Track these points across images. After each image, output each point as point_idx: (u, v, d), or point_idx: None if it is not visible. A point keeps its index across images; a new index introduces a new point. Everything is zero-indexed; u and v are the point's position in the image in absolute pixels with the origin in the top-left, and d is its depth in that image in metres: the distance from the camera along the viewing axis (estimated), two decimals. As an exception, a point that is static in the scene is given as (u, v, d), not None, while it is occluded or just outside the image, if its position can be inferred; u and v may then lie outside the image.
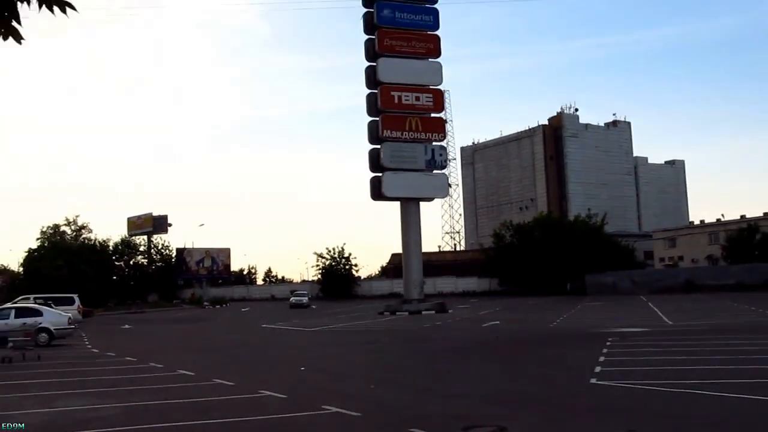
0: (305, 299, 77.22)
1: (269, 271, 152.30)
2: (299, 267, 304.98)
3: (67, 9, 5.31)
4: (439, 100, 60.66)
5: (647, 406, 13.71)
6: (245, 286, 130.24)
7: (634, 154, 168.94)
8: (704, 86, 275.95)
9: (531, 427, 12.23)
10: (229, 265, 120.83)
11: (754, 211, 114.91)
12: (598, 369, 18.51)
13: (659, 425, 11.93)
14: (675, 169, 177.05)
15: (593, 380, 16.79)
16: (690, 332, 29.53)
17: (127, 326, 52.27)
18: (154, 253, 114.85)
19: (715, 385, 15.36)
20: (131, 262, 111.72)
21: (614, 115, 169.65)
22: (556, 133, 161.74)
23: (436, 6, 60.08)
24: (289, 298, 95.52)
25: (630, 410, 13.31)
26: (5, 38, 5.31)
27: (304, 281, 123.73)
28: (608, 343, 25.10)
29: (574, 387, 16.33)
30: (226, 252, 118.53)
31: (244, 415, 13.72)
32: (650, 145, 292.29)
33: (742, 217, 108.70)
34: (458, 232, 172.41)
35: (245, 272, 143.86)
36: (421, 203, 60.58)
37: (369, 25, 58.47)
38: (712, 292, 73.76)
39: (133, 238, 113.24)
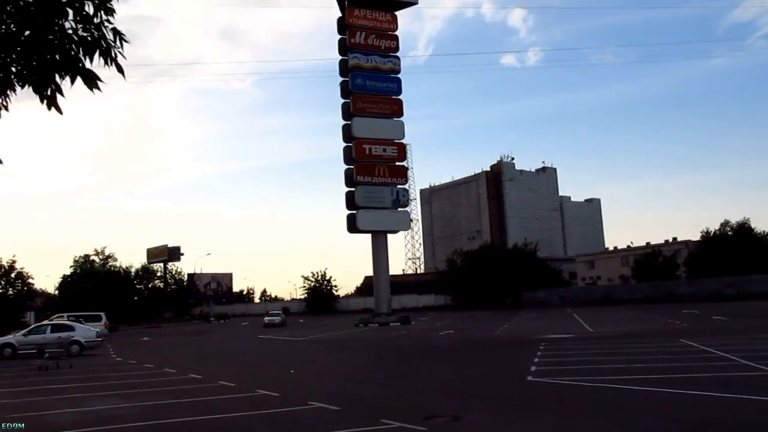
0: (278, 319, 64.28)
1: (265, 291, 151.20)
2: (289, 288, 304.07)
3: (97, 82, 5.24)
4: (402, 151, 61.13)
5: (573, 397, 13.68)
6: (245, 304, 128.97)
7: (560, 194, 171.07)
8: (616, 138, 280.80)
9: (480, 415, 12.14)
10: (231, 287, 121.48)
11: (657, 239, 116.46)
12: (533, 368, 18.46)
13: (583, 413, 11.86)
14: (593, 205, 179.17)
15: (530, 377, 16.74)
16: (607, 337, 29.58)
17: (146, 338, 51.50)
18: (169, 277, 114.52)
19: (628, 380, 15.39)
20: (150, 285, 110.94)
21: (543, 162, 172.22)
22: (497, 177, 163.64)
23: (399, 76, 60.85)
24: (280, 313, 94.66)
25: (559, 401, 13.26)
26: (49, 109, 5.23)
27: (293, 299, 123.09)
28: (541, 347, 25.08)
29: (515, 383, 16.25)
30: (229, 276, 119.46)
31: (243, 411, 13.49)
32: (573, 186, 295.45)
33: (648, 243, 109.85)
34: (419, 258, 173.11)
35: (245, 292, 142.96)
36: (389, 235, 60.79)
37: (345, 91, 59.25)
38: (624, 305, 74.26)
39: (152, 265, 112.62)
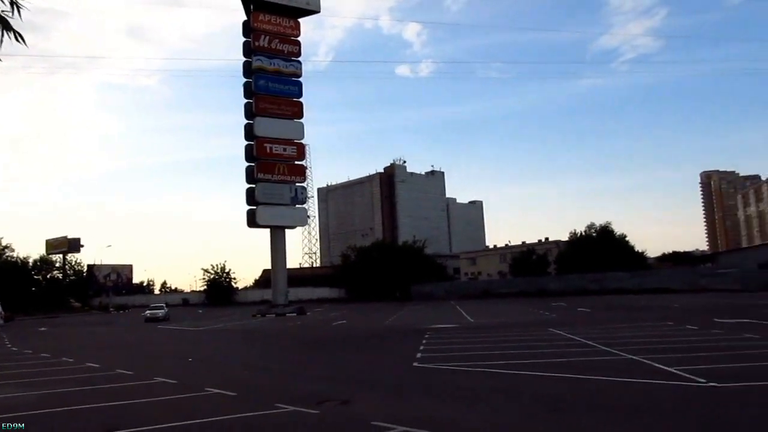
0: (161, 312, 55.93)
1: (165, 283, 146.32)
2: (190, 280, 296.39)
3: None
4: (301, 151, 60.69)
5: (455, 381, 14.02)
6: (145, 295, 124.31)
7: (447, 196, 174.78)
8: (499, 147, 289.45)
9: (369, 399, 12.23)
10: (131, 278, 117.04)
11: (532, 238, 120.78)
12: (419, 355, 18.76)
13: (464, 395, 12.18)
14: (476, 207, 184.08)
15: (416, 364, 16.99)
16: (486, 327, 30.41)
17: (43, 329, 48.84)
18: (69, 269, 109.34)
19: (503, 365, 15.90)
20: (48, 276, 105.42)
21: (432, 166, 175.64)
22: (390, 179, 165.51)
23: (300, 80, 60.38)
24: (180, 304, 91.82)
25: (442, 385, 13.56)
26: None
27: (193, 291, 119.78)
28: (427, 336, 25.50)
29: (402, 369, 16.46)
30: (129, 268, 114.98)
31: (141, 398, 13.03)
32: (459, 189, 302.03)
33: (524, 242, 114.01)
34: (315, 253, 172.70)
35: (145, 284, 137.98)
36: (287, 230, 60.30)
37: (248, 92, 58.33)
38: (502, 298, 76.62)
39: (51, 256, 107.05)
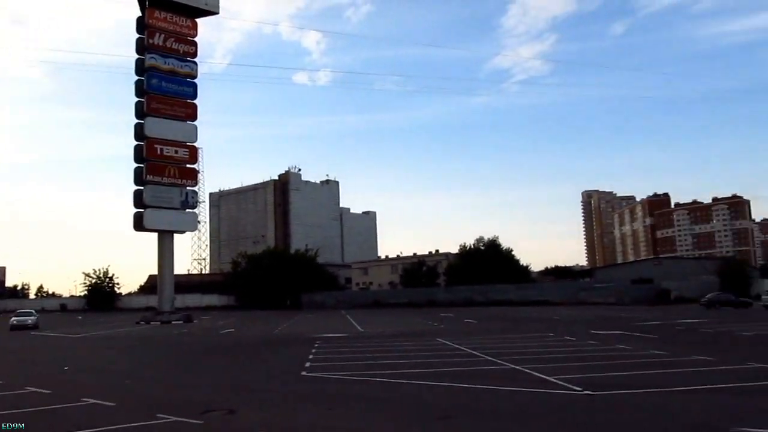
0: (31, 320, 48.96)
1: (41, 287, 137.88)
2: (70, 284, 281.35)
3: None
4: (193, 154, 59.04)
5: (343, 389, 13.99)
6: (18, 300, 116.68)
7: (341, 205, 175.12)
8: (393, 158, 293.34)
9: (255, 408, 11.97)
10: (3, 281, 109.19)
11: (423, 250, 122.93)
12: (308, 364, 18.63)
13: (352, 403, 12.17)
14: (369, 217, 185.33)
15: (304, 373, 16.86)
16: (376, 336, 30.61)
17: None
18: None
19: (392, 374, 16.03)
20: None
21: (327, 175, 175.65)
22: (284, 186, 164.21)
23: (195, 81, 58.78)
24: (58, 310, 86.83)
25: (330, 393, 13.50)
26: None
27: (72, 296, 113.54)
28: (316, 345, 25.39)
29: (290, 378, 16.27)
30: (1, 270, 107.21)
31: (8, 409, 12.18)
32: (353, 199, 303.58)
33: (415, 254, 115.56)
34: (204, 259, 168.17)
35: (19, 288, 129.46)
36: (176, 235, 58.42)
37: (140, 90, 56.16)
38: (392, 308, 77.30)
39: None
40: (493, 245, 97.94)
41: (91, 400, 12.68)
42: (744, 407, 10.78)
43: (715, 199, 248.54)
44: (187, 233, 72.94)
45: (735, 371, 15.15)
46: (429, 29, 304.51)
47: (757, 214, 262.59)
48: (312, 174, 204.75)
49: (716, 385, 13.02)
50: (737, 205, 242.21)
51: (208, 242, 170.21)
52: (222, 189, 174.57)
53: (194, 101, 58.55)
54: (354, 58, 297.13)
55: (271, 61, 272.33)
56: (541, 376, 14.81)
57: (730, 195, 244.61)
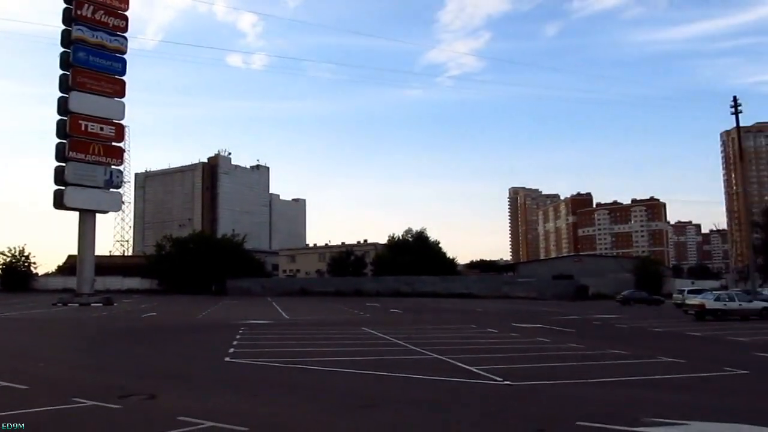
0: None
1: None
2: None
3: None
4: (120, 131, 57.08)
5: (268, 376, 13.93)
6: None
7: (271, 191, 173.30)
8: (325, 147, 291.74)
9: (176, 394, 11.75)
10: None
11: (351, 239, 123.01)
12: (231, 350, 18.40)
13: (276, 390, 12.11)
14: (299, 204, 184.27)
15: (227, 359, 16.65)
16: (301, 324, 30.53)
17: None
18: None
19: (317, 362, 16.02)
20: None
21: (258, 160, 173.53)
22: (213, 169, 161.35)
23: (125, 57, 56.79)
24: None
25: (253, 380, 13.41)
26: None
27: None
28: (241, 331, 25.09)
29: (212, 364, 16.05)
30: None
31: None
32: (283, 186, 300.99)
33: (343, 243, 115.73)
34: (127, 241, 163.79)
35: None
36: (98, 215, 56.50)
37: (65, 63, 53.69)
38: (319, 296, 77.28)
39: None
40: (420, 237, 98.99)
41: (2, 383, 12.16)
42: (653, 399, 11.27)
43: (634, 201, 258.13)
44: (110, 214, 70.82)
45: (646, 364, 15.81)
46: (365, 19, 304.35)
47: (672, 216, 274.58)
48: (242, 158, 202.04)
49: (629, 378, 13.57)
50: (654, 208, 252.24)
51: (132, 224, 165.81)
52: (148, 170, 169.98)
53: (122, 78, 56.58)
54: (289, 43, 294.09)
55: (204, 41, 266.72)
56: (463, 366, 15.08)
57: (648, 197, 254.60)
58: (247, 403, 10.74)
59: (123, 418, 9.46)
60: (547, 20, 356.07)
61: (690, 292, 48.82)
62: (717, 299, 35.46)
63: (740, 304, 34.91)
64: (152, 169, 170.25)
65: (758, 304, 36.03)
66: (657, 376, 13.87)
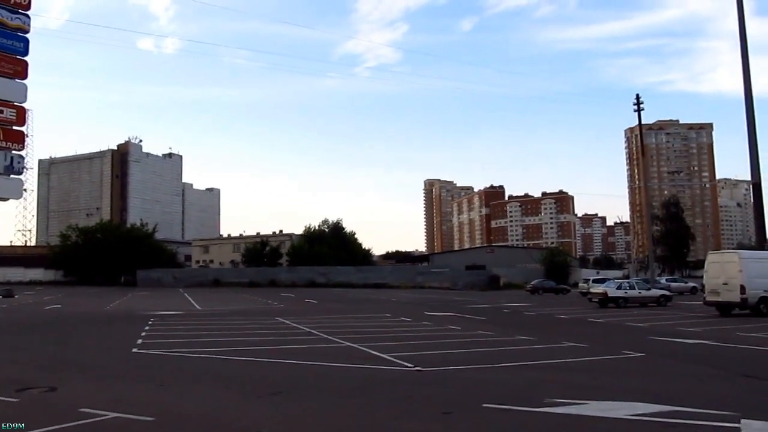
0: None
1: None
2: None
3: None
4: (21, 115, 53.31)
5: (178, 367, 13.64)
6: None
7: (183, 180, 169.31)
8: (240, 135, 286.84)
9: (79, 386, 11.31)
10: None
11: (266, 230, 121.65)
12: (140, 341, 17.92)
13: (186, 380, 11.87)
14: (213, 194, 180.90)
15: (135, 350, 16.21)
16: (213, 315, 30.08)
17: None
18: None
19: (230, 351, 15.83)
20: None
21: (170, 148, 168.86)
22: (123, 157, 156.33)
23: (27, 36, 53.63)
24: None
25: (162, 371, 13.09)
26: None
27: None
28: (150, 323, 24.46)
29: (119, 355, 15.57)
30: None
31: None
32: (196, 175, 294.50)
33: (258, 233, 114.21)
34: (30, 231, 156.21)
35: None
36: (-3, 202, 53.57)
37: (-40, 41, 50.46)
38: (233, 287, 76.17)
39: None
40: (337, 228, 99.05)
41: None
42: (557, 381, 11.71)
43: (544, 194, 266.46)
44: (11, 201, 67.20)
45: (552, 349, 16.39)
46: (282, 6, 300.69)
47: (580, 209, 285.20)
48: (154, 146, 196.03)
49: (534, 362, 14.02)
50: (563, 201, 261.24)
51: (35, 212, 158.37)
52: (53, 156, 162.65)
53: (25, 58, 53.15)
54: (203, 28, 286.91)
55: (114, 23, 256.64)
56: (375, 353, 15.22)
57: (557, 191, 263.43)
58: (154, 394, 10.48)
59: (20, 411, 9.03)
60: (462, 15, 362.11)
61: (594, 281, 50.86)
62: (618, 288, 37.13)
63: (640, 292, 36.74)
64: (58, 156, 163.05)
65: (656, 292, 38.02)
66: (561, 360, 14.41)
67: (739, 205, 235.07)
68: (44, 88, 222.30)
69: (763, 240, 35.72)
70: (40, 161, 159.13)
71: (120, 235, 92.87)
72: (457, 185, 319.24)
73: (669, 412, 8.50)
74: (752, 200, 36.36)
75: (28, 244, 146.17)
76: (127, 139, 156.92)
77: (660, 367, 13.60)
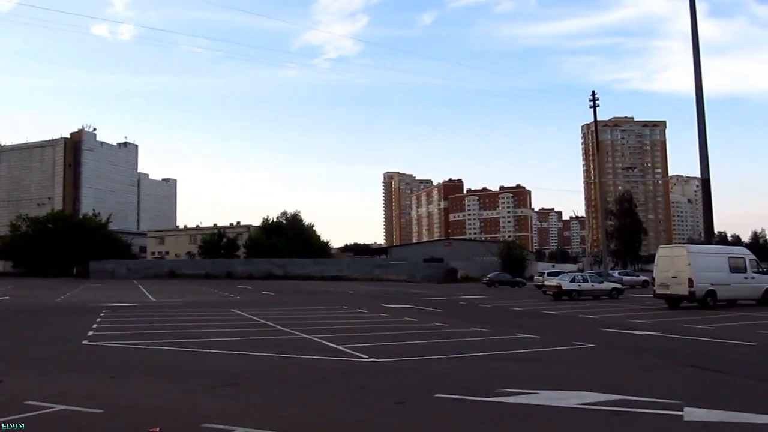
0: None
1: None
2: None
3: None
4: (-32, 102, 52.66)
5: (130, 358, 13.47)
6: None
7: (139, 170, 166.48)
8: (198, 125, 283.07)
9: (25, 378, 11.02)
10: None
11: (224, 221, 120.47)
12: (90, 333, 17.60)
13: (136, 372, 11.70)
14: (169, 185, 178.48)
15: (85, 342, 15.92)
16: (168, 306, 29.68)
17: None
18: None
19: (183, 343, 15.68)
20: None
21: (126, 137, 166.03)
22: (76, 146, 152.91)
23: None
24: None
25: (113, 362, 12.89)
26: None
27: None
28: (102, 314, 24.03)
29: (68, 347, 15.26)
30: None
31: None
32: (152, 165, 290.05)
33: (215, 225, 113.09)
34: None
35: None
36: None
37: None
38: (188, 279, 75.28)
39: None
40: (295, 220, 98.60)
41: None
42: (508, 371, 11.89)
43: (502, 188, 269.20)
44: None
45: (504, 341, 16.62)
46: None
47: (536, 203, 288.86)
48: (108, 135, 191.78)
49: (487, 353, 14.20)
50: (520, 195, 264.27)
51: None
52: (3, 144, 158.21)
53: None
54: (160, 15, 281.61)
55: (66, 6, 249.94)
56: (330, 344, 15.22)
57: (515, 185, 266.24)
58: (104, 386, 10.29)
59: (-38, 404, 8.78)
60: (423, 9, 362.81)
61: (549, 274, 51.59)
62: (572, 281, 37.76)
63: (593, 285, 37.43)
64: (7, 144, 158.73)
65: (608, 285, 38.80)
66: (513, 351, 14.63)
67: (690, 201, 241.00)
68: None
69: (711, 235, 36.76)
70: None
71: (72, 226, 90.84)
72: (417, 178, 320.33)
73: (616, 400, 8.71)
74: (702, 196, 37.30)
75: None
76: (80, 128, 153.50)
77: (609, 358, 13.91)
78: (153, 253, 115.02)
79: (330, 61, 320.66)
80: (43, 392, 9.33)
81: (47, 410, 8.12)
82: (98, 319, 21.85)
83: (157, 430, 7.11)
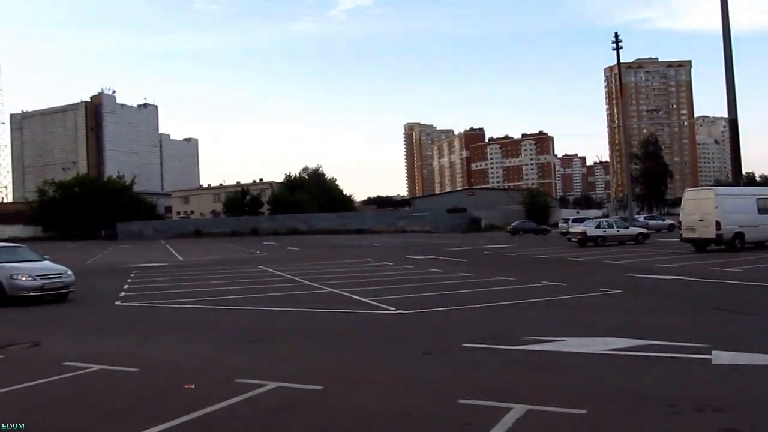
0: None
1: None
2: None
3: None
4: (-11, 69, 52.93)
5: (161, 318, 13.81)
6: None
7: (160, 131, 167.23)
8: (217, 83, 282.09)
9: (62, 340, 11.33)
10: None
11: (247, 179, 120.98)
12: (122, 294, 17.99)
13: (169, 331, 11.95)
14: (191, 144, 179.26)
15: (118, 303, 16.26)
16: (196, 265, 30.08)
17: None
18: None
19: (211, 301, 15.95)
20: None
21: (145, 99, 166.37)
22: (97, 109, 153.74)
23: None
24: None
25: (145, 322, 13.25)
26: None
27: None
28: (132, 275, 24.50)
29: (102, 308, 15.64)
30: None
31: None
32: (174, 125, 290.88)
33: (238, 183, 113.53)
34: (6, 187, 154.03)
35: None
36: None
37: None
38: (214, 237, 75.99)
39: None
40: (317, 175, 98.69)
41: None
42: (535, 320, 11.96)
43: (524, 135, 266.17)
44: (-16, 157, 66.21)
45: (530, 289, 16.66)
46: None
47: (559, 150, 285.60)
48: (128, 97, 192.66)
49: (514, 302, 14.27)
50: (543, 142, 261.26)
51: (10, 168, 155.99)
52: (25, 110, 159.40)
53: (-12, 9, 52.15)
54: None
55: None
56: (357, 298, 15.39)
57: (537, 132, 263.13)
58: (138, 345, 10.56)
59: (3, 367, 9.09)
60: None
61: (574, 221, 51.30)
62: (597, 227, 37.53)
63: (618, 231, 37.18)
64: (30, 110, 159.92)
65: (634, 230, 38.49)
66: (539, 299, 14.66)
67: (716, 142, 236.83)
68: (12, 40, 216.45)
69: (739, 176, 36.18)
70: (12, 116, 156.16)
71: (98, 189, 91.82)
72: (437, 128, 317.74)
73: (644, 345, 8.73)
74: (729, 137, 36.62)
75: (4, 200, 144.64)
76: (100, 91, 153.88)
77: (636, 303, 13.89)
78: (178, 213, 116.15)
79: (346, 12, 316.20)
80: (81, 353, 9.60)
81: (86, 370, 8.35)
82: (129, 280, 22.27)
83: (193, 386, 7.31)
